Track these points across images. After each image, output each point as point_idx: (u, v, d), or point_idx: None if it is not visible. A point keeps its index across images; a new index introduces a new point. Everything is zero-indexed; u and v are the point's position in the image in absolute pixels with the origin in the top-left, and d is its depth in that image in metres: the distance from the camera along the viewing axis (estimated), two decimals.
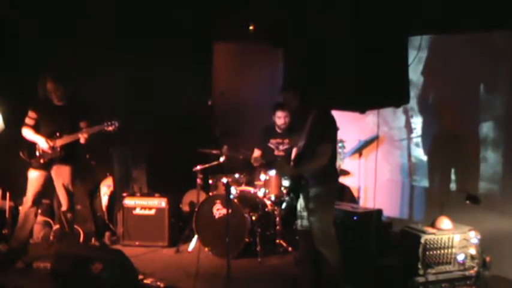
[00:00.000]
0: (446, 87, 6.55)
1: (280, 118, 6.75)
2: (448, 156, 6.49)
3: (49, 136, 5.78)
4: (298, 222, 4.94)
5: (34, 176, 5.84)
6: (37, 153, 5.80)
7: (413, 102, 6.42)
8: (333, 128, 4.81)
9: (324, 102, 4.83)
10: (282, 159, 6.67)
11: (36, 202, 5.89)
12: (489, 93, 6.07)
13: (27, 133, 5.81)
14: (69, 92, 5.86)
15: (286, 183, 5.53)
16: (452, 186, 6.41)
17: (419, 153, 6.82)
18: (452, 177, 6.46)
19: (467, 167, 6.26)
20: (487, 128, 6.08)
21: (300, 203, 4.86)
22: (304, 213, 4.81)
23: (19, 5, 6.37)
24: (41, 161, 5.80)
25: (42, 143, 5.75)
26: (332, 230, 4.76)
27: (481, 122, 6.12)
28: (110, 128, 5.84)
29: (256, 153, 6.92)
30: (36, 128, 5.83)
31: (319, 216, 4.69)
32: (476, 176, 6.12)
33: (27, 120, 5.83)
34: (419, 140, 6.82)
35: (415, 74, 6.48)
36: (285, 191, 6.32)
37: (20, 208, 6.10)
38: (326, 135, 4.69)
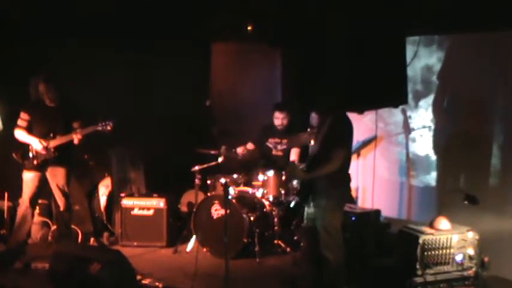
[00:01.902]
0: (444, 85, 6.56)
1: (278, 119, 6.75)
2: (448, 155, 6.50)
3: (42, 137, 5.77)
4: (305, 218, 4.92)
5: (29, 178, 5.84)
6: (30, 155, 5.80)
7: (410, 99, 6.42)
8: (350, 133, 4.74)
9: (322, 103, 4.82)
10: (287, 160, 6.67)
11: (32, 203, 5.89)
12: (488, 90, 6.08)
13: (20, 134, 5.81)
14: (61, 93, 5.85)
15: (297, 183, 5.49)
16: (450, 186, 6.41)
17: (417, 149, 6.83)
18: (451, 177, 6.47)
19: (467, 165, 6.27)
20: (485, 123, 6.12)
21: (309, 200, 4.84)
22: (310, 210, 4.79)
23: (18, 5, 6.37)
24: (35, 162, 5.80)
25: (35, 144, 5.74)
26: (339, 234, 4.71)
27: (481, 118, 6.13)
28: (105, 128, 5.82)
29: (250, 146, 6.88)
30: (29, 130, 5.82)
31: (327, 220, 4.65)
32: (476, 175, 6.13)
33: (20, 122, 5.83)
34: (416, 136, 6.83)
35: (413, 71, 6.48)
36: (283, 192, 6.33)
37: (17, 209, 6.10)
38: (341, 140, 4.65)
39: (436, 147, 6.64)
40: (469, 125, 6.26)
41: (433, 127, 6.67)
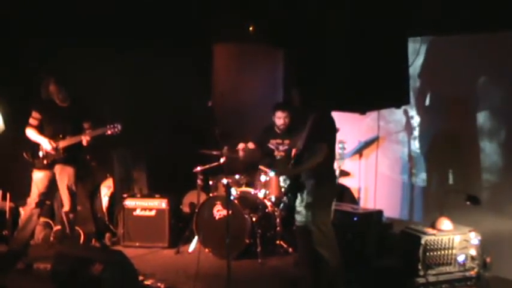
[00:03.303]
0: (443, 85, 6.56)
1: (280, 118, 6.75)
2: (448, 155, 6.50)
3: (52, 137, 5.78)
4: (296, 218, 4.95)
5: (39, 177, 5.84)
6: (40, 154, 5.81)
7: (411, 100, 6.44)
8: (331, 129, 4.86)
9: (324, 103, 4.84)
10: (281, 159, 6.68)
11: (40, 203, 5.87)
12: (487, 90, 6.08)
13: (31, 133, 5.82)
14: (71, 93, 5.87)
15: (284, 183, 5.55)
16: (453, 186, 6.40)
17: (418, 147, 6.82)
18: (453, 177, 6.46)
19: (467, 166, 6.27)
20: (484, 121, 6.11)
21: (298, 199, 4.88)
22: (300, 209, 4.82)
23: (20, 5, 6.37)
24: (44, 161, 5.81)
25: (45, 144, 5.76)
26: (331, 230, 4.78)
27: (479, 118, 6.13)
28: (113, 131, 5.85)
29: (250, 145, 6.88)
30: (40, 129, 5.84)
31: (316, 216, 4.71)
32: (477, 175, 6.12)
33: (31, 121, 5.84)
34: (417, 135, 6.82)
35: (412, 69, 6.48)
36: (282, 191, 6.33)
37: (21, 209, 6.10)
38: (323, 135, 4.74)
39: (437, 147, 6.64)
40: (469, 125, 6.26)
41: (433, 128, 6.67)
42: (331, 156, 4.84)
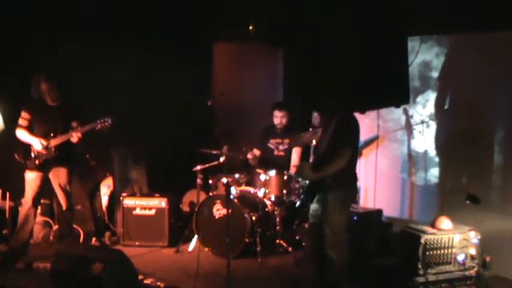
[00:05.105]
0: (444, 85, 6.55)
1: (277, 118, 6.78)
2: (450, 155, 6.49)
3: (43, 136, 5.75)
4: (310, 216, 4.92)
5: (31, 177, 5.82)
6: (32, 155, 5.79)
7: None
8: (356, 131, 4.72)
9: (324, 103, 4.83)
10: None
11: (35, 203, 5.87)
12: (491, 90, 6.08)
13: (21, 134, 5.79)
14: (63, 92, 5.84)
15: (303, 182, 5.51)
16: (453, 185, 6.41)
17: (416, 146, 6.82)
18: (453, 176, 6.46)
19: (469, 165, 6.26)
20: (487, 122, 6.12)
21: (315, 198, 4.83)
22: (315, 207, 4.80)
23: (20, 5, 6.37)
24: (37, 162, 5.78)
25: (36, 144, 5.72)
26: (345, 234, 4.70)
27: (483, 118, 6.13)
28: (103, 126, 5.80)
29: (256, 152, 6.93)
30: (30, 129, 5.81)
31: (332, 218, 4.63)
32: (477, 175, 6.12)
33: (21, 121, 5.81)
34: (415, 133, 6.82)
35: (410, 68, 6.47)
36: (285, 192, 6.34)
37: (20, 208, 6.10)
38: (347, 138, 4.64)
39: (437, 146, 6.64)
40: (470, 123, 6.25)
41: (434, 126, 6.67)
42: (353, 159, 4.71)
